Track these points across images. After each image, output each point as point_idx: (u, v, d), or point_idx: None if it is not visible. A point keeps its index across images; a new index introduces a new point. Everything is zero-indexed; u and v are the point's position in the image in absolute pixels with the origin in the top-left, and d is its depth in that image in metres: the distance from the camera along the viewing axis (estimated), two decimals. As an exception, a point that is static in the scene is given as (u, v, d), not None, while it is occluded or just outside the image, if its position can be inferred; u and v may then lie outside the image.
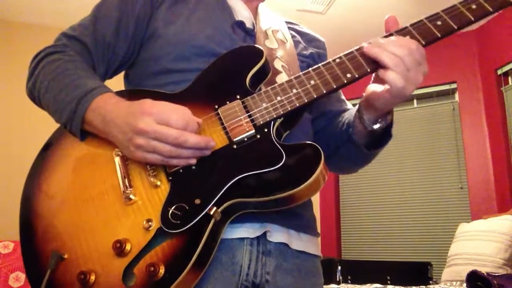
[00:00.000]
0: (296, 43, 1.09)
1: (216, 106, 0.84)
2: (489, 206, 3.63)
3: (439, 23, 0.83)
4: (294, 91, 0.83)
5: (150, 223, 0.75)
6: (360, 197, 4.45)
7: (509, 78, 3.74)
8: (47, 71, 0.89)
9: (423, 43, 0.82)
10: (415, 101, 4.28)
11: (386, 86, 0.81)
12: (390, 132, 0.93)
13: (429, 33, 0.83)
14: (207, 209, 0.74)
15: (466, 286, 2.08)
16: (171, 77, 0.91)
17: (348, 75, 0.83)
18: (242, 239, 0.83)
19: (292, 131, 0.89)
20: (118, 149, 0.81)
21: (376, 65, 0.82)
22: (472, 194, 3.79)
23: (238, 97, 0.84)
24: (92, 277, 0.74)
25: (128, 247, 0.74)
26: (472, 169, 3.83)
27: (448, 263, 2.94)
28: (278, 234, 0.87)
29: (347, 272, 3.11)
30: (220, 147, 0.80)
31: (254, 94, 0.84)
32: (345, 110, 1.06)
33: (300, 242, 0.91)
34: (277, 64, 0.96)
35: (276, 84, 0.85)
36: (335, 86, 0.83)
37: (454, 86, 4.10)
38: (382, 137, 0.94)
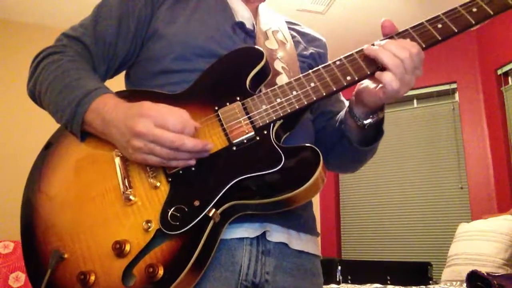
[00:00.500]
0: (296, 44, 1.09)
1: (216, 108, 0.84)
2: (489, 206, 3.63)
3: (439, 26, 0.83)
4: (294, 93, 0.84)
5: (149, 224, 0.76)
6: (360, 197, 4.45)
7: (509, 78, 3.74)
8: (47, 71, 0.89)
9: (424, 46, 0.83)
10: (415, 101, 4.28)
11: (380, 85, 0.81)
12: (382, 128, 0.93)
13: (429, 36, 0.83)
14: (206, 210, 0.75)
15: (466, 286, 2.08)
16: (172, 77, 0.91)
17: (348, 78, 0.83)
18: (242, 239, 0.84)
19: (294, 132, 0.89)
20: (118, 150, 0.82)
21: (376, 67, 0.82)
22: (472, 194, 3.79)
23: (238, 98, 0.84)
24: (92, 278, 0.74)
25: (127, 248, 0.74)
26: (472, 169, 3.83)
27: (448, 263, 2.94)
28: (277, 234, 0.87)
29: (347, 272, 3.11)
30: (220, 149, 0.81)
31: (254, 96, 0.84)
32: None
33: (299, 241, 0.91)
34: (277, 65, 0.96)
35: (276, 86, 0.85)
36: (335, 89, 0.83)
37: (454, 86, 4.09)
38: (374, 133, 0.94)
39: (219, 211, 0.75)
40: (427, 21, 0.84)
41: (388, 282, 2.84)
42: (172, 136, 0.74)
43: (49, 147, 0.89)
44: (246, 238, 0.84)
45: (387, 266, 3.21)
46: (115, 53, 0.95)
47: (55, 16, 3.78)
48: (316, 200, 4.41)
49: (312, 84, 0.84)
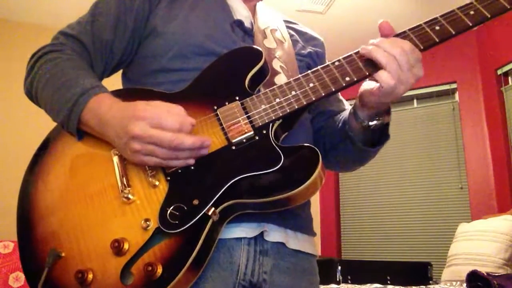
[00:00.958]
0: (294, 42, 1.09)
1: (215, 107, 0.84)
2: (489, 206, 3.63)
3: (437, 28, 0.84)
4: (293, 93, 0.84)
5: (148, 222, 0.76)
6: (360, 197, 4.45)
7: (509, 78, 3.74)
8: (44, 69, 0.89)
9: (422, 47, 0.83)
10: (415, 101, 4.28)
11: (378, 84, 0.82)
12: (387, 132, 0.93)
13: (427, 37, 0.83)
14: (205, 209, 0.75)
15: (466, 286, 2.08)
16: (170, 75, 0.91)
17: (347, 78, 0.83)
18: (240, 239, 0.84)
19: (292, 131, 0.89)
20: (116, 149, 0.82)
21: (374, 68, 0.82)
22: (472, 194, 3.79)
23: (237, 98, 0.84)
24: (90, 276, 0.74)
25: (126, 246, 0.74)
26: (472, 169, 3.83)
27: (448, 263, 2.94)
28: (275, 234, 0.87)
29: (347, 272, 3.11)
30: (219, 148, 0.81)
31: (253, 96, 0.85)
32: (343, 110, 1.06)
33: (296, 241, 0.91)
34: (276, 65, 0.96)
35: (275, 86, 0.86)
36: (333, 89, 0.83)
37: (454, 86, 4.09)
38: (379, 136, 0.94)
39: (218, 210, 0.75)
40: (425, 23, 0.85)
41: (388, 282, 2.84)
42: (169, 136, 0.73)
43: (46, 145, 0.89)
44: (244, 238, 0.84)
45: (387, 266, 3.20)
46: (112, 51, 0.95)
47: (55, 16, 3.78)
48: (316, 200, 4.42)
49: (311, 84, 0.84)
